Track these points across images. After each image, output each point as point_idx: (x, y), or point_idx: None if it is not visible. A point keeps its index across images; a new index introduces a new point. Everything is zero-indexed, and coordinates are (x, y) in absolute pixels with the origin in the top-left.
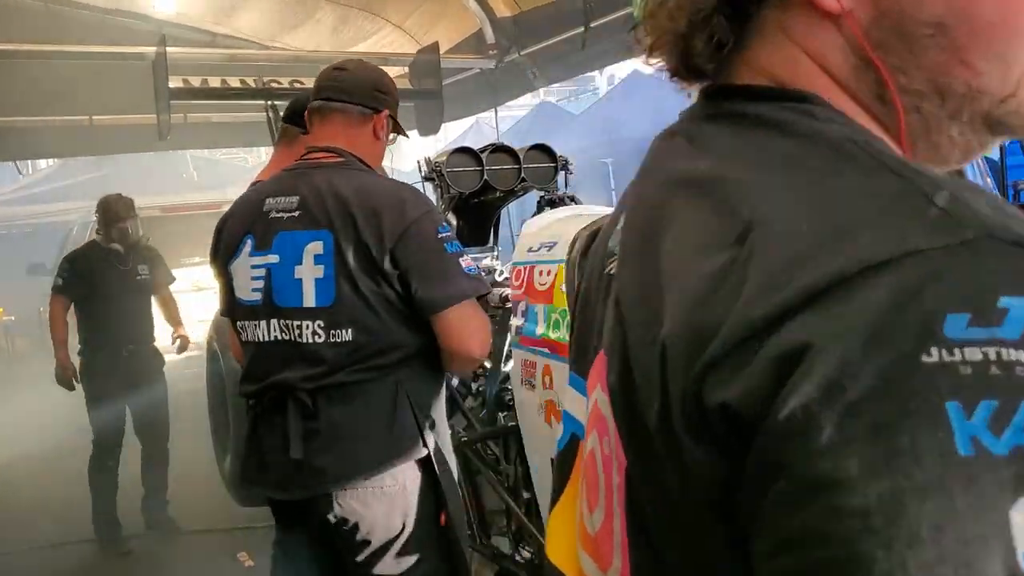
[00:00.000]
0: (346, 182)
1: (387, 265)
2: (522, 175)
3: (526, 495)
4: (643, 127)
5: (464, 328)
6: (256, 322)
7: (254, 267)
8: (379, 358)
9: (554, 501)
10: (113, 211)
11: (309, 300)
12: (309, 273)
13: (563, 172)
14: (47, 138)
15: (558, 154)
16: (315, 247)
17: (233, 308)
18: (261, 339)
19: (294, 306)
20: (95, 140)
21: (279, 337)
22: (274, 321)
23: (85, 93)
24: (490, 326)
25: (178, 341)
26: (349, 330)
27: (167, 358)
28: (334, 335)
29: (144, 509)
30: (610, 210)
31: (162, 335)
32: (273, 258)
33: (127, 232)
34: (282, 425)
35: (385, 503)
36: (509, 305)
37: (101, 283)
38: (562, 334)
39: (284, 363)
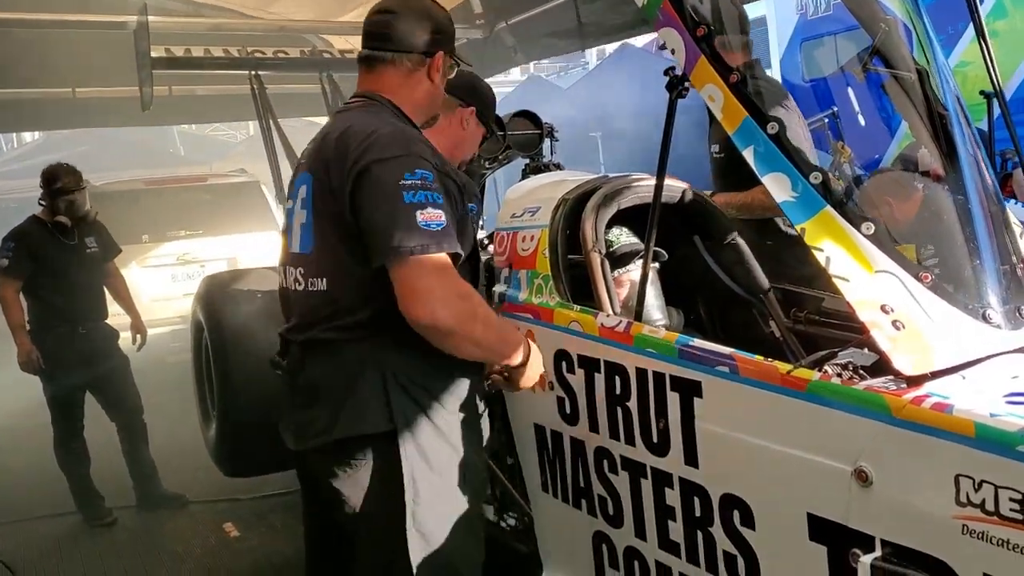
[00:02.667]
0: (343, 123)
1: (348, 212)
2: (506, 143)
3: (509, 461)
4: (632, 100)
5: (407, 290)
6: (285, 269)
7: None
8: (351, 315)
9: None
10: (59, 181)
11: (296, 245)
12: (298, 218)
13: (548, 139)
14: (29, 110)
15: (543, 121)
16: (302, 191)
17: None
18: (287, 287)
19: (294, 252)
20: (79, 113)
21: (285, 284)
22: (288, 267)
23: (69, 64)
24: (460, 290)
25: (138, 338)
26: (323, 280)
27: (155, 331)
28: (312, 284)
29: (136, 487)
30: (593, 175)
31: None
32: (290, 202)
33: (75, 204)
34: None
35: (351, 478)
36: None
37: (49, 260)
38: (545, 299)
39: (287, 312)
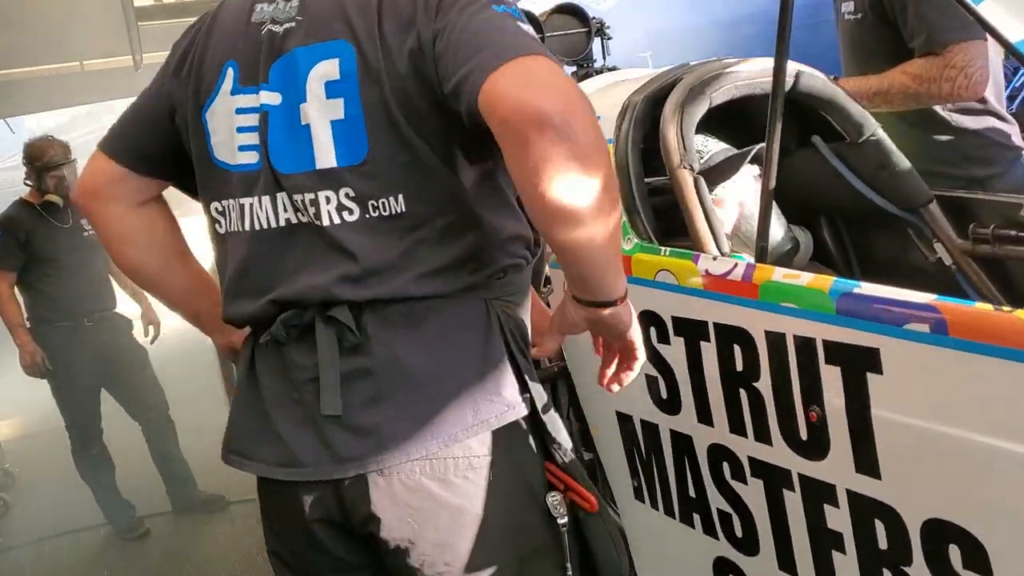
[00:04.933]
0: None
1: (433, 70)
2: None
3: (587, 456)
4: (683, 9)
5: (523, 79)
6: (250, 200)
7: (241, 112)
8: (455, 243)
9: None
10: (46, 157)
11: (326, 157)
12: (321, 114)
13: (600, 39)
14: (37, 90)
15: (591, 16)
16: (326, 70)
17: (208, 181)
18: (261, 226)
19: (305, 170)
20: (87, 88)
21: (292, 220)
22: (281, 197)
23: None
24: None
25: (151, 330)
26: (399, 197)
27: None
28: (374, 207)
29: (169, 491)
30: (659, 70)
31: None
32: (272, 97)
33: (65, 180)
34: (303, 363)
35: (463, 491)
36: None
37: (42, 247)
38: None
39: (303, 263)
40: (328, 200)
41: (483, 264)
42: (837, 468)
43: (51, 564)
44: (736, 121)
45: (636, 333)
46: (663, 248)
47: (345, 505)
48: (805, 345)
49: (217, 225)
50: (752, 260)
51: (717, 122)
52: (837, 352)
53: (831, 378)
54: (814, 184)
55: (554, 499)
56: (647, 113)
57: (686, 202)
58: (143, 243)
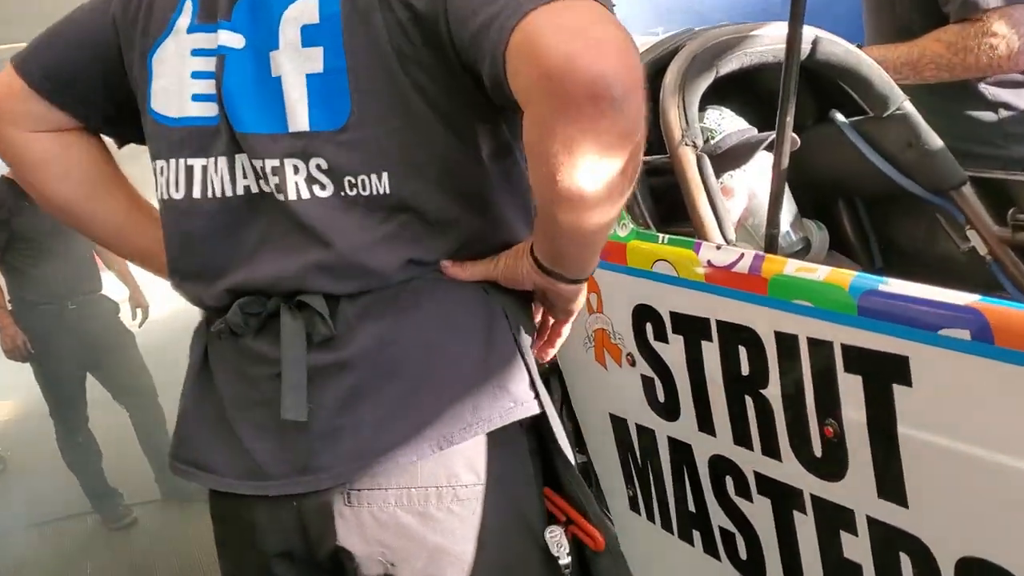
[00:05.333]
0: None
1: (448, 8)
2: None
3: (580, 458)
4: None
5: (577, 26)
6: (203, 161)
7: (198, 54)
8: (451, 241)
9: None
10: None
11: (297, 118)
12: (295, 65)
13: None
14: None
15: None
16: (303, 11)
17: (149, 136)
18: (215, 194)
19: (271, 131)
20: None
21: (253, 189)
22: (241, 160)
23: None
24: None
25: (139, 313)
26: (383, 176)
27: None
28: (351, 185)
29: (158, 479)
30: (660, 37)
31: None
32: (232, 39)
33: None
34: (265, 356)
35: (445, 527)
36: None
37: (25, 226)
38: (614, 230)
39: (263, 241)
40: (296, 170)
41: (484, 249)
42: (856, 491)
43: (35, 553)
44: (747, 94)
45: (581, 302)
46: (661, 235)
47: (309, 536)
48: (821, 349)
49: (158, 188)
50: (761, 250)
51: (728, 95)
52: (858, 359)
53: (851, 389)
54: (832, 164)
55: (553, 535)
56: (648, 84)
57: (688, 183)
58: (58, 171)
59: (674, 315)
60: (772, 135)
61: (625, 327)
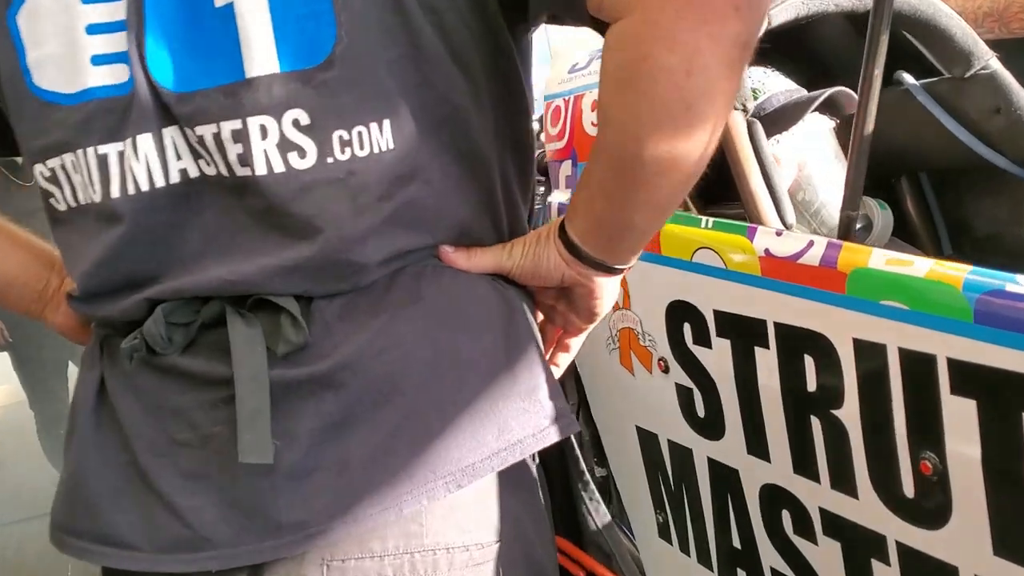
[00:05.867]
0: None
1: None
2: None
3: (599, 472)
4: None
5: None
6: (116, 147)
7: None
8: (461, 210)
9: None
10: None
11: (261, 58)
12: None
13: None
14: None
15: None
16: None
17: (27, 127)
18: (137, 189)
19: (220, 83)
20: None
21: (192, 173)
22: (171, 135)
23: None
24: None
25: None
26: (384, 124)
27: None
28: (343, 143)
29: None
30: None
31: None
32: None
33: None
34: (205, 378)
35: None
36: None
37: (3, 207)
38: None
39: (210, 243)
40: (264, 132)
41: (486, 235)
42: (962, 544)
43: (15, 552)
44: (796, 51)
45: (611, 302)
46: (704, 218)
47: None
48: (919, 365)
49: (52, 199)
50: (833, 236)
51: (769, 53)
52: (973, 379)
53: (960, 416)
54: (896, 134)
55: None
56: None
57: (737, 154)
58: None
59: (720, 315)
60: (828, 92)
61: (657, 327)
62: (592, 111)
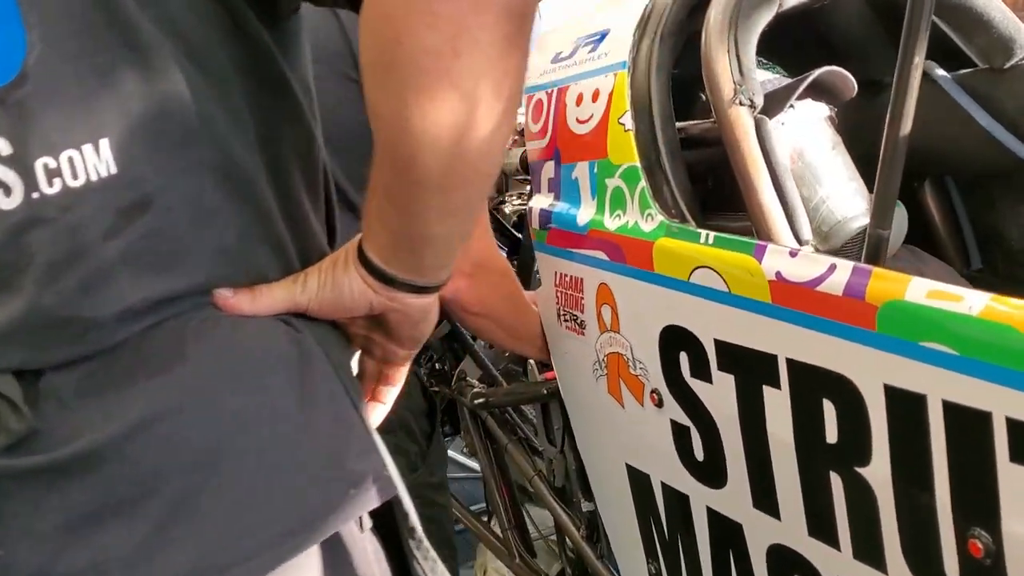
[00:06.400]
0: None
1: None
2: None
3: (586, 506)
4: None
5: None
6: None
7: None
8: (221, 238)
9: None
10: None
11: None
12: None
13: None
14: None
15: None
16: None
17: None
18: None
19: None
20: None
21: None
22: None
23: None
24: None
25: None
26: (100, 144)
27: None
28: (51, 173)
29: None
30: None
31: None
32: None
33: None
34: None
35: None
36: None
37: None
38: (631, 219)
39: None
40: None
41: (268, 265)
42: None
43: None
44: (807, 39)
45: (433, 322)
46: (704, 232)
47: None
48: (970, 422)
49: None
50: (860, 260)
51: (779, 40)
52: None
53: (1022, 489)
54: (921, 132)
55: None
56: (682, 21)
57: (743, 158)
58: None
59: (722, 345)
60: (816, 73)
61: (650, 355)
62: (578, 105)
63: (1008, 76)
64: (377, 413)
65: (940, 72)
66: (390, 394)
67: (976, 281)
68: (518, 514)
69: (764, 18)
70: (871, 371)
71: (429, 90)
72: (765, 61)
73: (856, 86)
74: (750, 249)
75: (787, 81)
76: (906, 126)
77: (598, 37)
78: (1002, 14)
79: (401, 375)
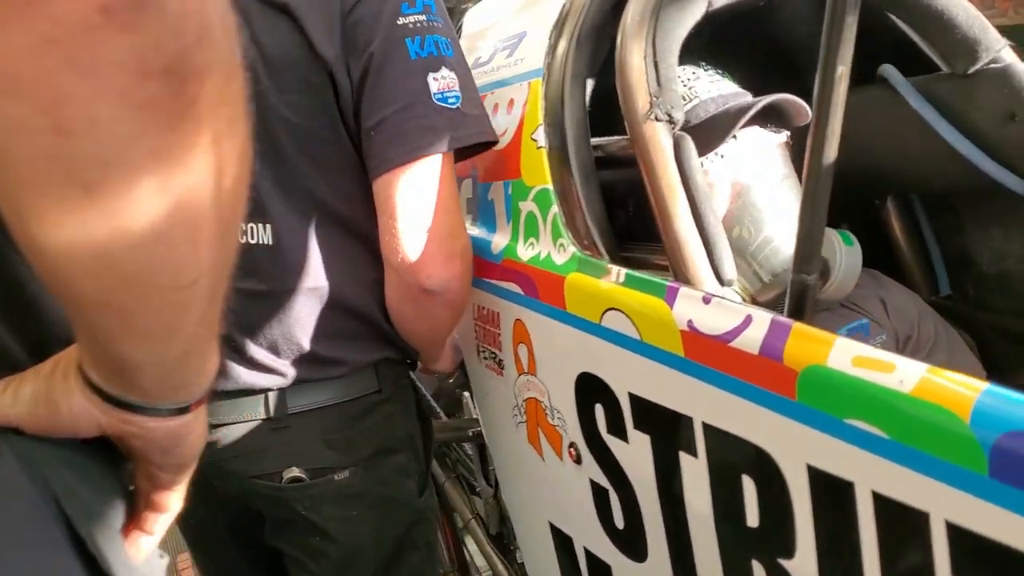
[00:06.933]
0: None
1: None
2: None
3: (520, 557)
4: None
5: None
6: None
7: None
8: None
9: None
10: None
11: None
12: None
13: None
14: None
15: None
16: None
17: None
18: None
19: None
20: None
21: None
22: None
23: None
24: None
25: None
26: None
27: None
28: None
29: None
30: None
31: None
32: None
33: None
34: None
35: None
36: None
37: None
38: (544, 250)
39: None
40: None
41: None
42: None
43: None
44: (754, 41)
45: (198, 448)
46: (615, 268)
47: None
48: (905, 522)
49: None
50: (769, 307)
51: (715, 45)
52: (987, 559)
53: None
54: (881, 145)
55: None
56: (601, 23)
57: (658, 183)
58: None
59: (636, 401)
60: (767, 99)
61: (567, 404)
62: (494, 114)
63: (974, 82)
64: (141, 545)
65: (898, 77)
66: (158, 523)
67: (944, 309)
68: (460, 554)
69: (690, 19)
70: (793, 447)
71: (29, 181)
72: (706, 67)
73: (810, 112)
74: (662, 291)
75: (737, 101)
76: (830, 153)
77: (515, 40)
78: (965, 12)
79: (171, 502)
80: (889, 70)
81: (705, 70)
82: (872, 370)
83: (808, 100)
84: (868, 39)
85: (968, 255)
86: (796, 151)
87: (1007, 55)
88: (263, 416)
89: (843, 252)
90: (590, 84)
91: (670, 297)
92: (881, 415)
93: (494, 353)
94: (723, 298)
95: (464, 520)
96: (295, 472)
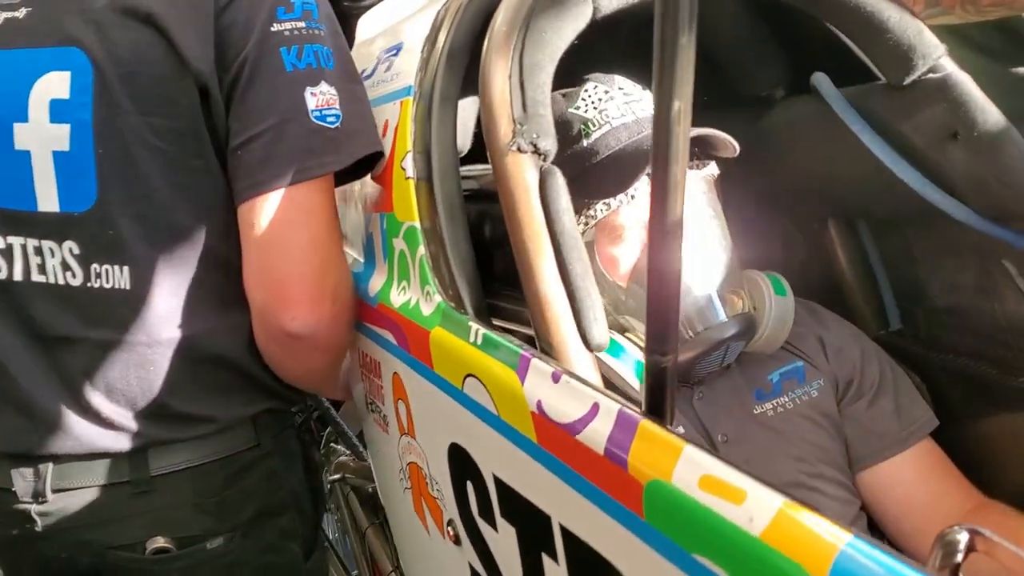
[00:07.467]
0: None
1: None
2: None
3: None
4: None
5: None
6: None
7: None
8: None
9: None
10: None
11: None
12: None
13: None
14: None
15: None
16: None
17: None
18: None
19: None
20: None
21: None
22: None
23: None
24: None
25: None
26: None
27: None
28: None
29: None
30: None
31: None
32: None
33: None
34: None
35: None
36: None
37: None
38: (412, 296)
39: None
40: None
41: None
42: None
43: None
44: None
45: None
46: (473, 327)
47: None
48: None
49: None
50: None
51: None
52: None
53: None
54: (814, 165)
55: None
56: (477, 32)
57: (518, 224)
58: None
59: (501, 486)
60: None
61: (443, 476)
62: (384, 133)
63: (909, 95)
64: None
65: (828, 87)
66: None
67: (893, 347)
68: None
69: (570, 28)
70: (645, 570)
71: None
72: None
73: (738, 148)
74: (515, 361)
75: (644, 117)
76: (675, 209)
77: (394, 52)
78: (898, 15)
79: None
80: (820, 79)
81: (620, 89)
82: (720, 497)
83: (742, 103)
84: (802, 44)
85: (919, 285)
86: (725, 183)
87: (946, 63)
88: (122, 479)
89: (773, 302)
90: (475, 102)
91: (522, 369)
92: (727, 557)
93: (379, 407)
94: (572, 377)
95: (385, 573)
96: (160, 542)
